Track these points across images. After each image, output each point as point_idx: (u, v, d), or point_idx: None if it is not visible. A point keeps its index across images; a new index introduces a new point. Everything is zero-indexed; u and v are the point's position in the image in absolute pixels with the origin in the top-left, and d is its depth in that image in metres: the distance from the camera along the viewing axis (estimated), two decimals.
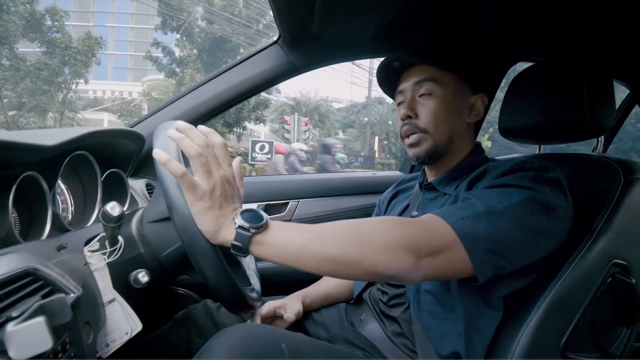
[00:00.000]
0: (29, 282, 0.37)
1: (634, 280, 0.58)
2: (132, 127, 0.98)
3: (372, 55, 1.03)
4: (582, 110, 0.65)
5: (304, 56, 0.97)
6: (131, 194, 0.81)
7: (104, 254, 0.55)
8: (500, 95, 0.79)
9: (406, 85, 0.70)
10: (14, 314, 0.31)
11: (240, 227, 0.48)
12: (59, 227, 0.59)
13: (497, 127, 0.80)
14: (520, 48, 0.96)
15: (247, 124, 13.22)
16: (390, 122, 19.60)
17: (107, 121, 20.19)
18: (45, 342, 0.30)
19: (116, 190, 0.78)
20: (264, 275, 0.76)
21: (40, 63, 12.80)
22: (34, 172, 0.53)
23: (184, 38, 14.19)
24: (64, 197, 0.69)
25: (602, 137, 1.26)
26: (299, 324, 0.80)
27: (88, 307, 0.46)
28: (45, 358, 0.32)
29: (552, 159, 0.74)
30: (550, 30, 0.86)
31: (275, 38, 0.96)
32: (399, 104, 0.72)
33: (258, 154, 10.50)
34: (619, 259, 0.58)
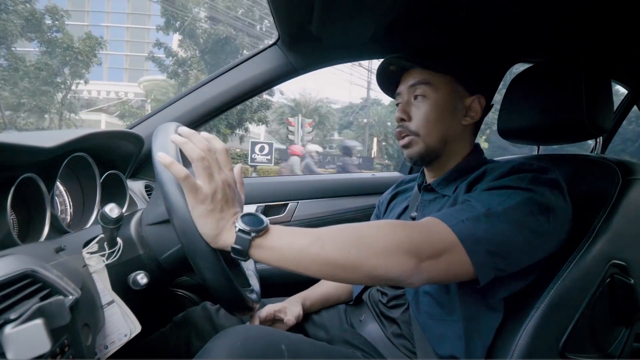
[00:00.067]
0: (27, 284, 0.37)
1: (632, 281, 0.59)
2: (130, 128, 0.98)
3: (371, 56, 1.04)
4: (580, 111, 0.65)
5: (303, 57, 0.97)
6: (130, 196, 0.81)
7: (103, 255, 0.55)
8: (497, 97, 0.79)
9: (403, 87, 0.71)
10: (12, 316, 0.31)
11: (240, 230, 0.49)
12: (58, 229, 0.59)
13: (494, 128, 0.80)
14: (519, 49, 0.96)
15: (248, 125, 13.22)
16: (389, 124, 19.62)
17: (104, 122, 20.08)
18: (43, 344, 0.30)
19: (115, 191, 0.78)
20: (263, 277, 0.76)
21: (40, 63, 12.73)
22: (33, 173, 0.53)
23: (187, 39, 14.17)
24: (62, 199, 0.69)
25: (601, 138, 1.27)
26: (299, 325, 0.80)
27: (87, 309, 0.46)
28: None
29: (550, 160, 0.74)
30: (549, 31, 0.86)
31: (274, 39, 0.97)
32: (397, 105, 0.72)
33: (258, 155, 10.49)
34: (618, 260, 0.58)
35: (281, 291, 0.89)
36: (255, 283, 0.68)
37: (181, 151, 0.51)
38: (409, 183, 0.86)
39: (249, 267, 0.72)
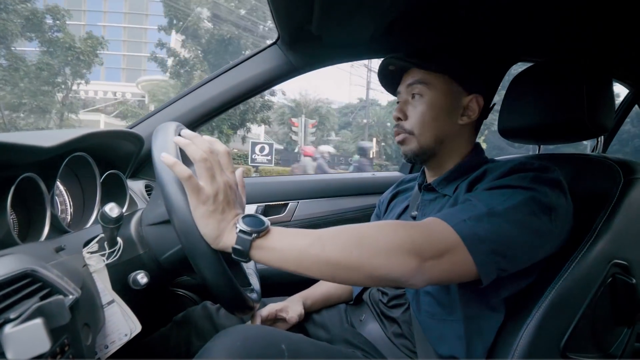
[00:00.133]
0: (27, 284, 0.37)
1: (634, 281, 0.58)
2: (131, 128, 0.98)
3: (371, 55, 1.03)
4: (581, 110, 0.65)
5: (303, 57, 0.97)
6: (130, 195, 0.81)
7: (103, 255, 0.55)
8: (495, 98, 0.79)
9: (402, 87, 0.72)
10: (12, 316, 0.31)
11: (241, 231, 0.49)
12: (58, 229, 0.59)
13: (492, 129, 0.80)
14: (520, 48, 0.96)
15: (250, 125, 13.24)
16: (388, 124, 19.58)
17: (103, 122, 20.04)
18: (43, 343, 0.30)
19: (115, 191, 0.78)
20: (263, 276, 0.76)
21: (42, 63, 12.70)
22: (33, 173, 0.53)
23: (190, 40, 14.14)
24: (62, 199, 0.69)
25: (602, 137, 1.27)
26: (299, 324, 0.80)
27: (87, 309, 0.46)
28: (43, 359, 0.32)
29: (551, 160, 0.74)
30: (549, 30, 0.86)
31: (274, 39, 0.96)
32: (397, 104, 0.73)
33: (258, 155, 10.50)
34: (619, 259, 0.58)
35: (281, 291, 0.89)
36: (255, 282, 0.68)
37: (182, 152, 0.51)
38: (410, 183, 0.86)
39: (249, 266, 0.72)
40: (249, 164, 10.59)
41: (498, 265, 0.50)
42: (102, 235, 0.55)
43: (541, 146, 0.83)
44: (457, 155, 0.70)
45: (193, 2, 14.28)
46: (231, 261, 0.51)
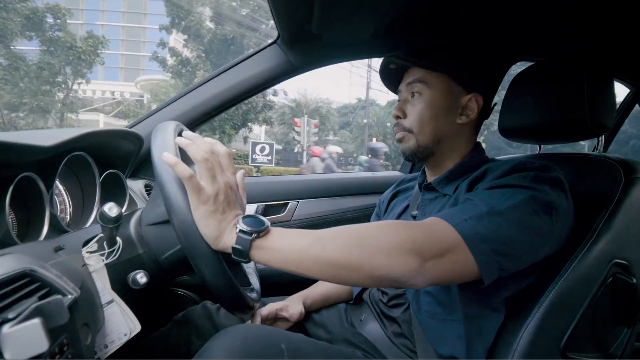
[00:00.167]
0: (25, 284, 0.37)
1: (634, 280, 0.58)
2: (130, 127, 0.98)
3: (371, 55, 1.03)
4: (582, 110, 0.65)
5: (303, 56, 0.97)
6: (130, 195, 0.81)
7: (102, 255, 0.55)
8: (495, 98, 0.78)
9: (402, 85, 0.72)
10: (10, 316, 0.30)
11: (241, 230, 0.49)
12: (57, 228, 0.59)
13: (492, 129, 0.80)
14: (520, 48, 0.96)
15: (251, 125, 13.24)
16: (388, 124, 19.55)
17: (102, 122, 20.03)
18: (41, 343, 0.30)
19: (115, 191, 0.78)
20: (263, 276, 0.76)
21: (42, 62, 12.68)
22: (31, 172, 0.53)
23: (191, 40, 14.11)
24: (62, 198, 0.69)
25: (603, 136, 1.26)
26: (299, 324, 0.80)
27: (86, 309, 0.46)
28: (42, 359, 0.32)
29: (552, 159, 0.74)
30: (550, 30, 0.86)
31: (274, 38, 0.96)
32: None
33: (258, 155, 10.52)
34: (620, 259, 0.58)
35: (281, 290, 0.89)
36: (255, 281, 0.68)
37: (182, 153, 0.51)
38: (410, 182, 0.86)
39: (249, 265, 0.72)
40: (250, 163, 10.59)
41: (499, 265, 0.50)
42: (102, 234, 0.55)
43: (539, 146, 0.83)
44: (457, 155, 0.70)
45: (195, 1, 14.26)
46: (231, 261, 0.51)
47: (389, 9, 0.76)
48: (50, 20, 12.77)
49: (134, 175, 1.02)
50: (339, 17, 0.78)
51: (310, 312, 0.83)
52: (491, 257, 0.49)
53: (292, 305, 0.78)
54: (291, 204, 1.22)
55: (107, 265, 0.54)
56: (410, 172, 1.35)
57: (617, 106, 1.25)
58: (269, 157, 10.56)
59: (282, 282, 0.97)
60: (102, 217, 0.51)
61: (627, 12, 0.74)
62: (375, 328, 0.71)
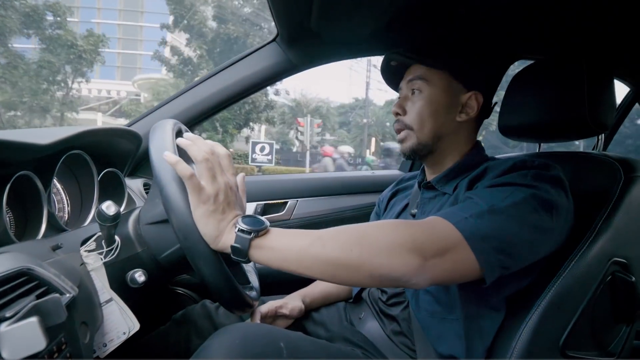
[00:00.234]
0: (23, 282, 0.37)
1: (633, 279, 0.58)
2: (128, 126, 0.97)
3: (371, 53, 1.03)
4: (582, 108, 0.65)
5: (302, 54, 0.97)
6: (128, 194, 0.81)
7: (101, 253, 0.55)
8: (495, 98, 0.78)
9: (403, 82, 0.72)
10: (7, 314, 0.30)
11: (240, 230, 0.48)
12: (55, 227, 0.59)
13: (490, 129, 0.80)
14: (520, 46, 0.96)
15: (253, 125, 13.22)
16: (387, 124, 19.52)
17: (100, 122, 19.98)
18: (39, 342, 0.30)
19: (113, 189, 0.77)
20: (262, 275, 0.76)
21: (43, 61, 12.61)
22: (29, 171, 0.52)
23: (194, 38, 14.04)
24: (60, 197, 0.69)
25: (603, 135, 1.26)
26: (298, 323, 0.80)
27: (84, 307, 0.46)
28: (40, 358, 0.32)
29: (552, 157, 0.74)
30: (550, 28, 0.85)
31: (273, 36, 0.96)
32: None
33: (259, 155, 10.52)
34: (619, 257, 0.58)
35: (280, 289, 0.89)
36: (254, 280, 0.68)
37: (181, 153, 0.51)
38: (409, 181, 0.86)
39: (248, 263, 0.72)
40: (250, 163, 10.59)
41: (501, 264, 0.50)
42: (100, 233, 0.55)
43: (538, 145, 0.83)
44: (456, 153, 0.70)
45: (199, 2, 14.22)
46: (230, 261, 0.51)
47: (388, 6, 0.75)
48: (50, 18, 12.70)
49: (133, 174, 1.02)
50: (338, 15, 0.78)
51: (309, 310, 0.83)
52: (492, 255, 0.49)
53: (292, 303, 0.78)
54: (290, 202, 1.22)
55: (105, 264, 0.54)
56: (410, 170, 1.35)
57: (617, 105, 1.25)
58: (269, 157, 10.56)
59: (281, 281, 0.97)
60: (100, 215, 0.51)
61: (627, 11, 0.74)
62: (375, 326, 0.71)
